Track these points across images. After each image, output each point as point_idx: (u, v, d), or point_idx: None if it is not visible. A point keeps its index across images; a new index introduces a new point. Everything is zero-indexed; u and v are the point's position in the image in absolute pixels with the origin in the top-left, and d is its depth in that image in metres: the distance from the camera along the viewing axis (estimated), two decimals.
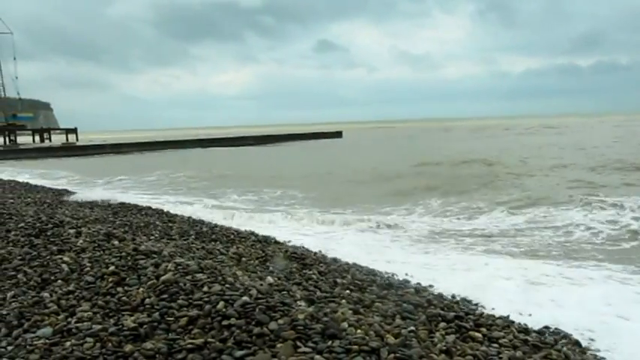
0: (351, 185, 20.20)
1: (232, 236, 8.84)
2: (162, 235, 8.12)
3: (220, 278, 4.53)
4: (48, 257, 5.61)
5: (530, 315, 5.50)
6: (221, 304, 3.89)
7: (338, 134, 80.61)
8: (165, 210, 12.56)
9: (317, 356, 3.27)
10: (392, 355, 3.32)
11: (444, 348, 3.66)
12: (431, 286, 6.51)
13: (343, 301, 4.64)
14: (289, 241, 9.26)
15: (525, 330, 4.70)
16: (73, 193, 15.89)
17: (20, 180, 21.65)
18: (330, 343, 3.42)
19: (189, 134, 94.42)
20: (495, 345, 4.06)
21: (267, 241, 8.69)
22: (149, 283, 4.47)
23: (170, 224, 9.68)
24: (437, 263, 8.38)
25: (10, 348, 3.55)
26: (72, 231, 6.81)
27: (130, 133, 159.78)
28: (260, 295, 4.11)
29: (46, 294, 4.55)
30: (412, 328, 4.02)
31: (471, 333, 4.26)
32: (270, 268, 6.19)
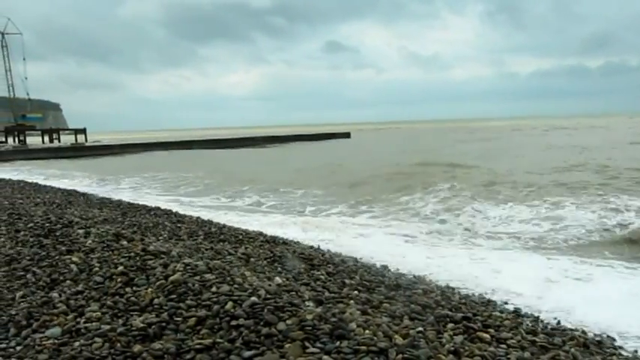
0: (369, 185, 20.05)
1: (241, 236, 8.85)
2: (171, 236, 8.13)
3: (229, 279, 4.53)
4: (57, 257, 5.64)
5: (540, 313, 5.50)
6: (229, 304, 3.90)
7: (346, 135, 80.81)
8: (174, 210, 12.58)
9: (325, 357, 3.26)
10: (400, 356, 3.31)
11: (452, 349, 3.65)
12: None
13: (351, 301, 4.63)
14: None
15: (533, 331, 4.68)
16: (89, 194, 15.96)
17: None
18: (338, 343, 3.41)
19: (198, 135, 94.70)
20: (503, 346, 4.04)
21: (275, 241, 8.69)
22: (158, 283, 4.47)
23: (179, 225, 9.69)
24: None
25: (19, 348, 3.57)
26: (81, 231, 6.83)
27: (138, 133, 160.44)
28: (268, 296, 4.11)
29: (54, 294, 4.58)
30: (420, 328, 4.01)
31: (479, 334, 4.24)
32: (279, 269, 6.19)
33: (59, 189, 17.70)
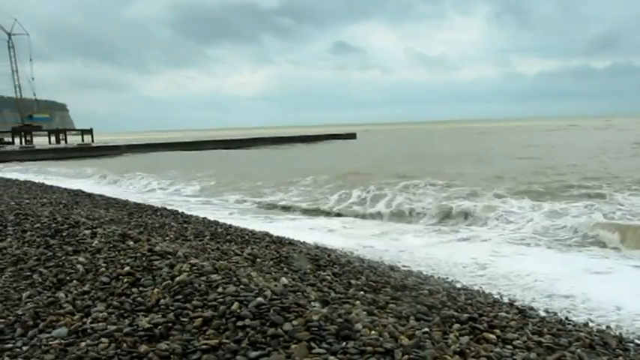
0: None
1: (247, 237, 8.86)
2: (178, 236, 8.15)
3: (235, 279, 4.54)
4: (63, 258, 5.66)
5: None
6: (235, 304, 3.90)
7: (352, 136, 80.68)
8: (180, 211, 12.62)
9: (331, 357, 3.26)
10: (406, 357, 3.30)
11: (458, 349, 3.64)
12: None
13: (357, 302, 4.63)
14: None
15: (539, 332, 4.66)
16: (90, 194, 16.01)
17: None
18: (344, 344, 3.41)
19: (204, 135, 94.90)
20: (509, 346, 4.03)
21: (281, 242, 8.70)
22: (164, 283, 4.48)
23: (185, 225, 9.71)
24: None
25: (25, 348, 3.58)
26: (87, 232, 6.86)
27: (145, 134, 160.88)
28: (274, 296, 4.11)
29: (61, 294, 4.59)
30: (426, 329, 4.00)
31: (484, 334, 4.23)
32: (285, 270, 6.19)
33: (66, 189, 17.76)
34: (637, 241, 10.32)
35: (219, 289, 4.24)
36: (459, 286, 7.22)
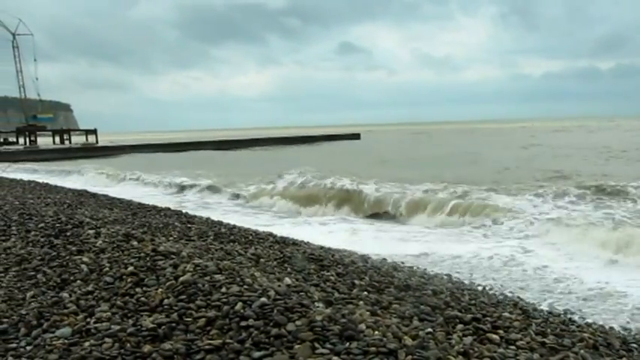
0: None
1: (251, 237, 8.86)
2: (181, 236, 8.15)
3: (239, 279, 4.54)
4: (67, 257, 5.67)
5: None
6: (239, 305, 3.90)
7: (356, 136, 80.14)
8: (183, 211, 12.62)
9: (335, 357, 3.26)
10: (409, 357, 3.30)
11: (462, 350, 3.63)
12: None
13: (361, 302, 4.63)
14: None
15: (543, 332, 4.65)
16: (95, 193, 16.04)
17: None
18: (347, 344, 3.41)
19: (207, 136, 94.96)
20: (513, 347, 4.02)
21: (285, 242, 8.70)
22: (168, 283, 4.49)
23: (189, 225, 9.71)
24: None
25: (29, 348, 3.59)
26: (91, 232, 6.87)
27: (148, 134, 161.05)
28: (278, 297, 4.11)
29: (65, 294, 4.60)
30: (430, 329, 4.00)
31: (488, 335, 4.22)
32: (289, 270, 6.19)
33: (70, 189, 17.80)
34: None
35: (223, 289, 4.24)
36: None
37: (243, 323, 3.68)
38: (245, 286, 4.32)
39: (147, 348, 3.44)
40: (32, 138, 76.39)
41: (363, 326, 3.70)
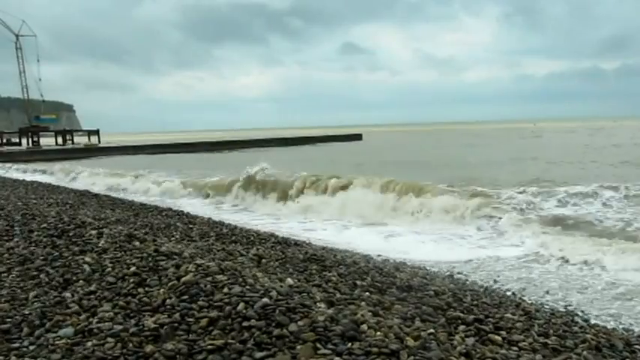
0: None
1: (252, 238, 8.88)
2: (183, 237, 8.17)
3: (240, 279, 4.54)
4: (70, 258, 5.68)
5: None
6: (241, 305, 3.90)
7: (357, 137, 79.15)
8: (185, 211, 12.65)
9: (337, 358, 3.25)
10: (412, 358, 3.29)
11: (464, 351, 3.62)
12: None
13: (363, 303, 4.62)
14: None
15: (545, 333, 4.65)
16: (97, 194, 16.07)
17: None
18: (349, 345, 3.40)
19: (210, 137, 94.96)
20: (515, 348, 4.02)
21: (287, 242, 8.71)
22: (170, 284, 4.49)
23: (190, 226, 9.75)
24: None
25: (32, 347, 3.59)
26: (94, 232, 6.88)
27: (151, 135, 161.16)
28: (280, 297, 4.11)
29: (67, 294, 4.60)
30: (432, 330, 3.99)
31: (490, 336, 4.22)
32: (290, 270, 6.19)
33: (72, 190, 17.84)
34: None
35: (225, 290, 4.24)
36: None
37: (245, 324, 3.68)
38: (247, 287, 4.32)
39: (149, 348, 3.44)
40: (35, 139, 76.54)
41: (365, 327, 3.69)
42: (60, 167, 35.02)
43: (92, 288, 4.70)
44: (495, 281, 8.37)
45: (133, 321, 3.91)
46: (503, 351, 3.84)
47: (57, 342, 3.60)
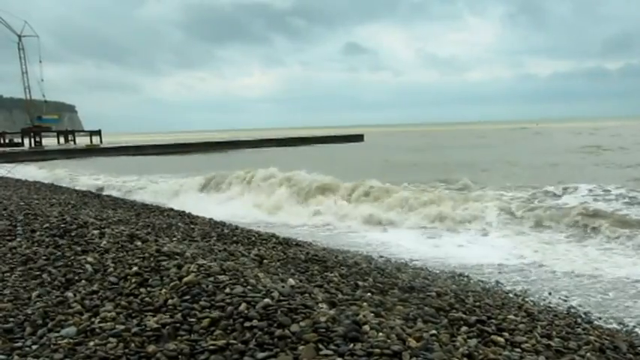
0: None
1: (254, 238, 8.88)
2: (185, 237, 8.17)
3: (242, 280, 4.54)
4: (72, 257, 5.68)
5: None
6: (243, 305, 3.90)
7: (359, 137, 77.33)
8: (186, 212, 12.65)
9: (338, 359, 3.25)
10: (414, 359, 3.29)
11: (467, 352, 3.62)
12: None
13: (365, 303, 4.62)
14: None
15: (548, 335, 4.63)
16: (99, 194, 16.08)
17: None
18: (351, 345, 3.40)
19: (212, 137, 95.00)
20: (518, 350, 4.00)
21: (288, 243, 8.71)
22: (172, 284, 4.49)
23: (192, 226, 9.74)
24: None
25: (34, 347, 3.60)
26: (96, 232, 6.89)
27: (153, 135, 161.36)
28: (282, 297, 4.11)
29: (70, 294, 4.61)
30: (434, 331, 3.98)
31: (493, 337, 4.21)
32: (292, 271, 6.19)
33: (74, 190, 17.86)
34: None
35: (227, 290, 4.24)
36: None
37: (247, 324, 3.68)
38: (249, 287, 4.33)
39: (151, 348, 3.44)
40: (37, 139, 76.65)
41: (367, 328, 3.69)
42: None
43: (94, 288, 4.71)
44: (498, 282, 8.35)
45: (135, 321, 3.92)
46: (506, 352, 3.83)
47: (59, 342, 3.61)
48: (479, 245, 11.60)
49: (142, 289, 4.53)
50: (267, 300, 4.00)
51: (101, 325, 3.84)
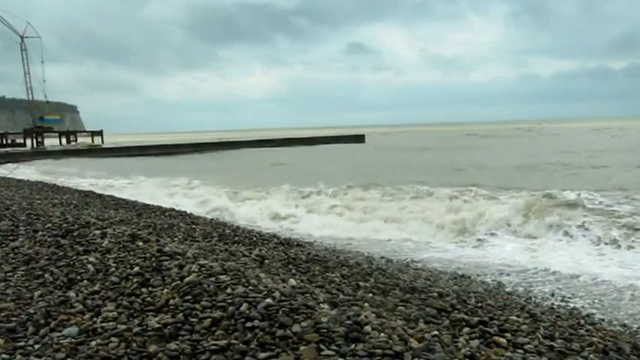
0: None
1: (255, 238, 8.88)
2: (186, 237, 8.18)
3: (244, 280, 4.54)
4: (74, 257, 5.69)
5: None
6: (244, 305, 3.90)
7: (360, 138, 74.99)
8: (188, 212, 12.66)
9: (340, 359, 3.25)
10: None
11: (468, 353, 3.61)
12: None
13: (366, 304, 4.62)
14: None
15: (551, 336, 4.62)
16: (101, 194, 16.10)
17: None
18: (353, 346, 3.39)
19: (213, 137, 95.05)
20: (520, 351, 3.98)
21: (289, 243, 8.71)
22: (173, 284, 4.49)
23: (193, 226, 9.74)
24: None
25: (37, 346, 3.60)
26: (97, 232, 6.89)
27: (154, 135, 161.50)
28: (283, 298, 4.10)
29: (72, 294, 4.62)
30: (435, 332, 3.97)
31: (495, 338, 4.19)
32: (293, 271, 6.19)
33: (76, 190, 17.87)
34: None
35: (228, 290, 4.24)
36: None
37: (248, 324, 3.67)
38: (250, 287, 4.32)
39: (153, 348, 3.44)
40: (39, 139, 76.79)
41: (368, 328, 3.68)
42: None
43: (96, 288, 4.72)
44: (500, 283, 8.35)
45: (136, 321, 3.92)
46: (509, 353, 3.82)
47: (61, 341, 3.61)
48: (481, 246, 11.56)
49: (144, 289, 4.53)
50: (268, 300, 3.99)
51: (103, 324, 3.84)
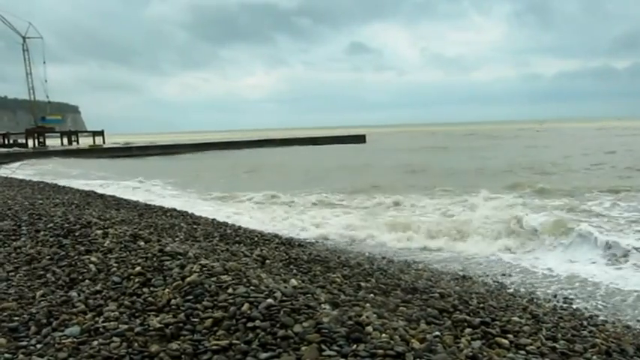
0: None
1: (256, 238, 8.88)
2: (187, 237, 8.18)
3: (245, 280, 4.54)
4: (76, 257, 5.69)
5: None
6: (246, 306, 3.90)
7: (361, 138, 74.33)
8: (189, 212, 12.66)
9: None
10: None
11: (470, 354, 3.60)
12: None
13: (367, 304, 4.61)
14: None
15: (553, 337, 4.61)
16: (102, 194, 16.10)
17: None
18: (354, 346, 3.39)
19: (214, 137, 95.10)
20: (522, 352, 3.97)
21: (290, 243, 8.71)
22: (174, 284, 4.50)
23: (195, 226, 9.75)
24: None
25: (39, 346, 3.60)
26: (99, 232, 6.89)
27: (156, 135, 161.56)
28: (284, 298, 4.10)
29: (74, 293, 4.62)
30: (437, 333, 3.97)
31: (497, 339, 4.18)
32: (294, 271, 6.18)
33: (78, 190, 17.87)
34: None
35: (230, 290, 4.24)
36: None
37: (249, 324, 3.67)
38: (251, 287, 4.32)
39: (154, 348, 3.44)
40: (41, 139, 76.91)
41: (370, 328, 3.68)
42: None
43: (98, 287, 4.72)
44: (502, 284, 8.33)
45: (138, 320, 3.92)
46: (511, 354, 3.81)
47: (63, 341, 3.61)
48: (484, 247, 11.54)
49: (145, 289, 4.53)
50: (269, 300, 3.99)
51: (105, 324, 3.84)
